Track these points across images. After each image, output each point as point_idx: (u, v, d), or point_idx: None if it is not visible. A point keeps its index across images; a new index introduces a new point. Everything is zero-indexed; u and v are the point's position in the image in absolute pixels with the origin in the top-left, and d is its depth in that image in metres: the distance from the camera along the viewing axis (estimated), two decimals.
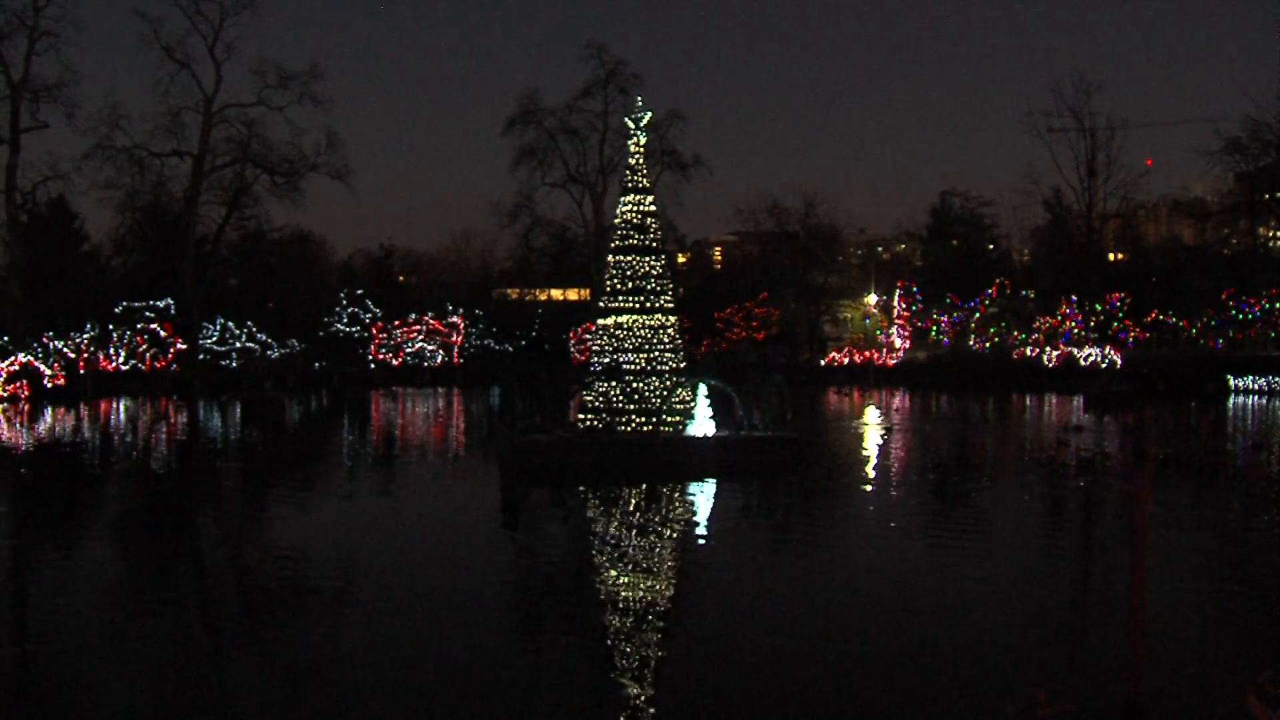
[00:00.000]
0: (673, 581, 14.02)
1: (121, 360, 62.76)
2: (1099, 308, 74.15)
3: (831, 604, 12.44)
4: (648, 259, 27.93)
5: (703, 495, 21.83)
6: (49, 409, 44.80)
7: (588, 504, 20.81)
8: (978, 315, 78.32)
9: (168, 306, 66.16)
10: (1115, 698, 8.90)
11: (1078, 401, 50.23)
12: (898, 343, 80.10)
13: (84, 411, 44.10)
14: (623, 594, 13.14)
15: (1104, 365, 66.54)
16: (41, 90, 63.26)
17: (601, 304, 28.58)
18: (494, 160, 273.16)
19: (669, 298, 28.23)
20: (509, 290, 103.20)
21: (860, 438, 32.74)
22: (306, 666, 10.15)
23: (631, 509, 19.74)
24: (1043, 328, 75.19)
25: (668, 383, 27.19)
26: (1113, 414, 41.16)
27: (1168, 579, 13.22)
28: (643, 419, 26.57)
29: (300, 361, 73.78)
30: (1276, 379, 56.11)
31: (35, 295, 63.16)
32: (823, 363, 79.57)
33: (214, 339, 70.74)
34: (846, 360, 78.30)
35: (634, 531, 17.36)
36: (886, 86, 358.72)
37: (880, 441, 31.59)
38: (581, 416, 27.68)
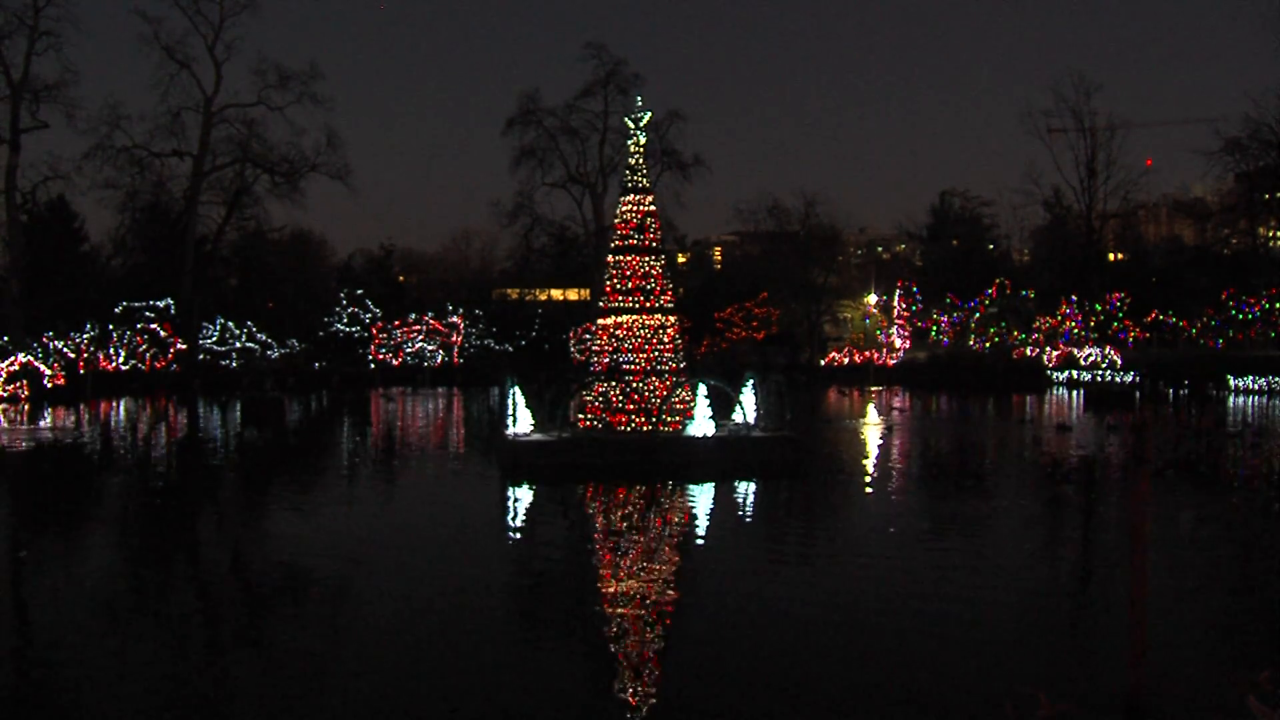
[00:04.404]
0: (672, 582, 14.02)
1: (121, 360, 62.73)
2: (1099, 308, 74.14)
3: (831, 604, 12.44)
4: (648, 259, 27.92)
5: (702, 496, 21.84)
6: (49, 409, 44.80)
7: (587, 504, 20.82)
8: (978, 315, 78.27)
9: (168, 306, 66.12)
10: (1115, 698, 8.91)
11: (1078, 401, 50.24)
12: (898, 343, 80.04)
13: (84, 411, 44.10)
14: (622, 595, 13.14)
15: (1104, 364, 66.59)
16: (41, 90, 63.21)
17: (601, 304, 28.58)
18: (494, 160, 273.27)
19: (669, 298, 28.22)
20: (509, 290, 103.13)
21: (860, 438, 32.75)
22: (306, 667, 10.15)
23: (630, 510, 19.74)
24: (1043, 328, 75.17)
25: (668, 383, 27.19)
26: (1112, 414, 41.14)
27: (1166, 579, 13.22)
28: (643, 419, 26.57)
29: (300, 361, 73.73)
30: (1277, 379, 56.09)
31: (35, 295, 63.10)
32: (823, 363, 79.51)
33: (214, 339, 70.68)
34: (846, 360, 78.24)
35: (633, 532, 17.36)
36: (887, 86, 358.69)
37: (880, 442, 31.60)
38: (581, 416, 27.67)
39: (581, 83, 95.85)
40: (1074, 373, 67.19)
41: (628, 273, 27.78)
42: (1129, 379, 60.55)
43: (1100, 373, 65.11)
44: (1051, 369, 69.69)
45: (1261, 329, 69.79)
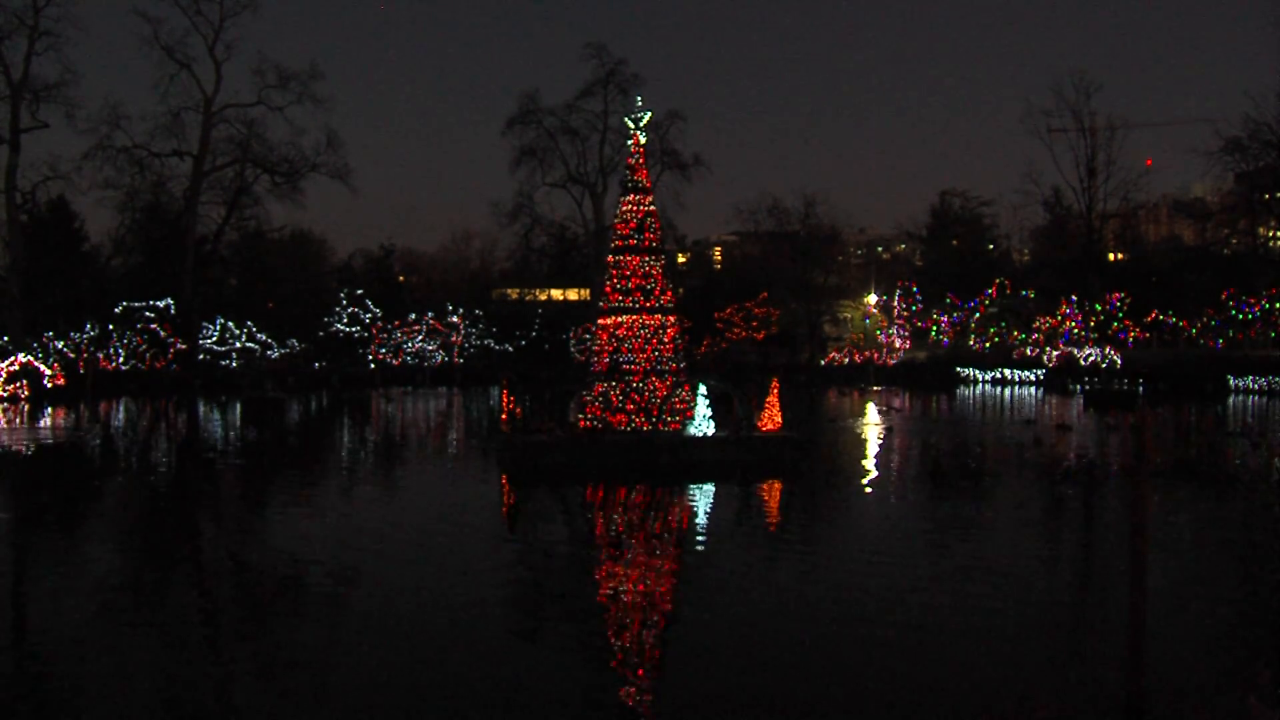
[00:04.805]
0: (671, 582, 14.02)
1: (121, 360, 62.71)
2: (1099, 308, 74.11)
3: (831, 605, 12.44)
4: (648, 259, 27.92)
5: (702, 496, 21.83)
6: (49, 409, 44.79)
7: (587, 504, 20.81)
8: (978, 315, 78.25)
9: (168, 306, 66.06)
10: (1115, 698, 8.91)
11: (1078, 401, 50.22)
12: (898, 343, 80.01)
13: (84, 411, 44.07)
14: (622, 595, 13.14)
15: (1104, 364, 66.50)
16: (41, 90, 63.16)
17: (601, 304, 28.58)
18: (494, 160, 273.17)
19: (669, 298, 28.22)
20: (509, 290, 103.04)
21: (860, 437, 32.74)
22: (306, 667, 10.15)
23: (630, 510, 19.74)
24: (1043, 328, 75.14)
25: (668, 383, 27.19)
26: (1112, 413, 41.14)
27: (1166, 580, 13.21)
28: (643, 419, 26.56)
29: (300, 361, 73.71)
30: (1277, 379, 56.06)
31: (35, 295, 63.06)
32: (823, 363, 79.50)
33: (214, 339, 70.64)
34: (846, 360, 78.24)
35: (633, 533, 17.36)
36: (886, 86, 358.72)
37: (880, 442, 31.61)
38: (581, 416, 27.66)
39: (581, 83, 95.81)
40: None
41: (628, 273, 27.78)
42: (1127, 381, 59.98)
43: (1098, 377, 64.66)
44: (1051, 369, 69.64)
45: (1261, 329, 69.76)
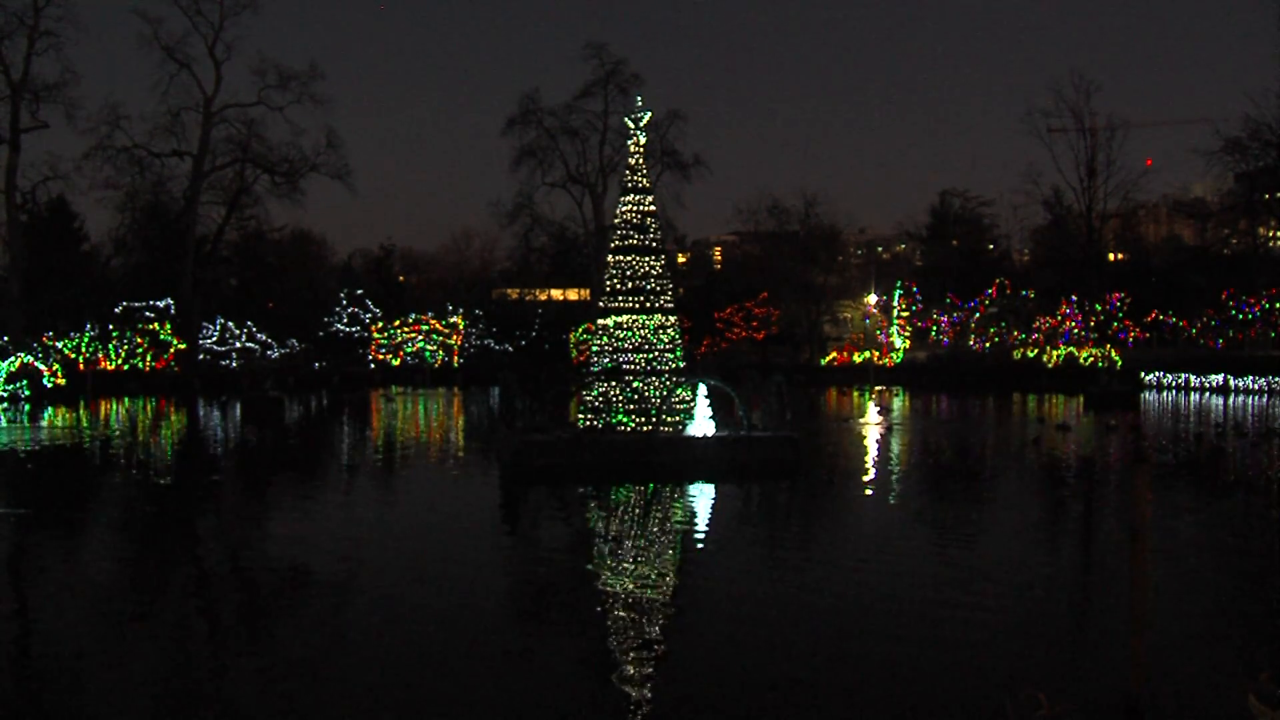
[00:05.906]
0: (672, 583, 14.02)
1: (121, 360, 62.73)
2: (1099, 308, 74.10)
3: (831, 605, 12.45)
4: (648, 259, 27.92)
5: (702, 496, 21.83)
6: (49, 409, 44.79)
7: (587, 504, 20.81)
8: (978, 315, 78.22)
9: (168, 306, 66.11)
10: (1115, 698, 8.91)
11: (1078, 401, 50.23)
12: (898, 343, 80.00)
13: (83, 411, 44.08)
14: (622, 595, 13.14)
15: (1103, 364, 66.45)
16: (41, 90, 63.24)
17: (601, 304, 28.57)
18: (494, 160, 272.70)
19: (669, 298, 28.22)
20: (509, 290, 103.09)
21: (859, 437, 32.75)
22: (306, 667, 10.15)
23: (630, 510, 19.74)
24: (1043, 328, 75.11)
25: (668, 383, 27.19)
26: (1112, 414, 41.15)
27: (1166, 579, 13.21)
28: (643, 419, 26.57)
29: (300, 361, 73.73)
30: (1277, 379, 55.86)
31: (35, 295, 63.10)
32: (823, 363, 79.50)
33: (214, 339, 70.68)
34: (847, 360, 78.18)
35: (633, 532, 17.36)
36: (886, 86, 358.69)
37: (879, 442, 31.60)
38: (581, 416, 27.67)
39: (581, 83, 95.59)
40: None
41: (628, 273, 27.79)
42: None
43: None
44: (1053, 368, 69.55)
45: (1261, 329, 69.73)
